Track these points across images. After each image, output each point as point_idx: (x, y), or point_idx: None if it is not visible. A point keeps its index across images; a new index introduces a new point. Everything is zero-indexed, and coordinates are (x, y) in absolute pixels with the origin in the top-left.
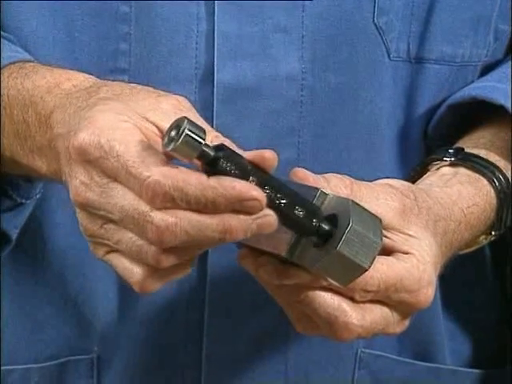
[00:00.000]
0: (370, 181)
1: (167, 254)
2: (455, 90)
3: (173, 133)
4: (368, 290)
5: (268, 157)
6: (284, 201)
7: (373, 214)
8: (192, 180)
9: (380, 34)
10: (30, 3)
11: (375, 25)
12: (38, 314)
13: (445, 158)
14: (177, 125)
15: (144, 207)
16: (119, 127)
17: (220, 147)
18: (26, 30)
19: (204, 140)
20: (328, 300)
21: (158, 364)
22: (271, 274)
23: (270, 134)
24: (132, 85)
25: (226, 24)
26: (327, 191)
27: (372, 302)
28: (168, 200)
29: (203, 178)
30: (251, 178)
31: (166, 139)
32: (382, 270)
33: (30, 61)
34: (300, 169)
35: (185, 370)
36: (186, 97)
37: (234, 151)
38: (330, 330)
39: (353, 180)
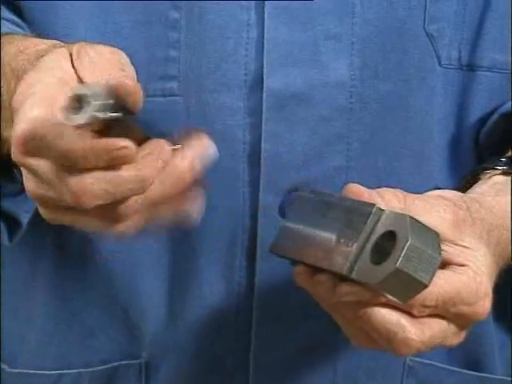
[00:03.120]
0: (421, 190)
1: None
2: (507, 97)
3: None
4: (427, 305)
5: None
6: None
7: (431, 229)
8: (79, 142)
9: (431, 41)
10: (79, 10)
11: (426, 32)
12: (88, 319)
13: (497, 167)
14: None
15: (62, 175)
16: (44, 88)
17: None
18: (75, 37)
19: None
20: (387, 316)
21: (206, 370)
22: (329, 291)
23: (318, 140)
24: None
25: (276, 31)
26: (383, 207)
27: (430, 315)
28: (31, 149)
29: (87, 139)
30: None
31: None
32: (439, 285)
33: (18, 34)
34: (354, 184)
35: (233, 377)
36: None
37: None
38: (388, 346)
39: (406, 193)
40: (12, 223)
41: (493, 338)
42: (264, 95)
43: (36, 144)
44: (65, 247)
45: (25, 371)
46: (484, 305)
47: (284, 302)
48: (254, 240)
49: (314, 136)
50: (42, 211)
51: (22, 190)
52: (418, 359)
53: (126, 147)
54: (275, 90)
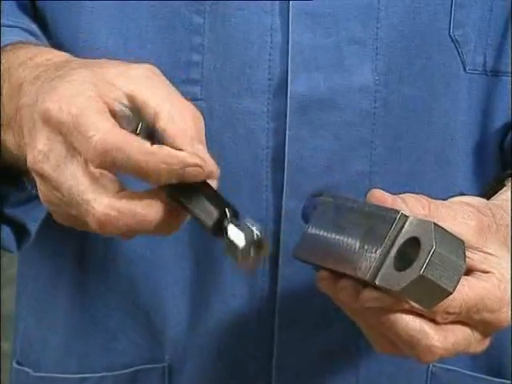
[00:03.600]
0: (444, 196)
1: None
2: None
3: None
4: (450, 312)
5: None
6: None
7: (455, 237)
8: (135, 143)
9: (456, 46)
10: (101, 16)
11: (451, 37)
12: (110, 323)
13: None
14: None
15: (89, 195)
16: (82, 94)
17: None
18: (98, 42)
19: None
20: (410, 323)
21: (228, 375)
22: (352, 297)
23: (342, 145)
24: (104, 59)
25: (300, 35)
26: (407, 213)
27: (453, 322)
28: (109, 161)
29: (146, 143)
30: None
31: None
32: (463, 292)
33: (30, 42)
34: (377, 190)
35: (255, 382)
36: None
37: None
38: (411, 352)
39: (430, 200)
40: (20, 231)
41: None
42: (288, 100)
43: (113, 156)
44: (87, 251)
45: (48, 375)
46: (508, 311)
47: (306, 308)
48: (277, 245)
49: (337, 141)
50: (42, 192)
51: (31, 198)
52: (441, 365)
53: (199, 166)
54: (299, 94)
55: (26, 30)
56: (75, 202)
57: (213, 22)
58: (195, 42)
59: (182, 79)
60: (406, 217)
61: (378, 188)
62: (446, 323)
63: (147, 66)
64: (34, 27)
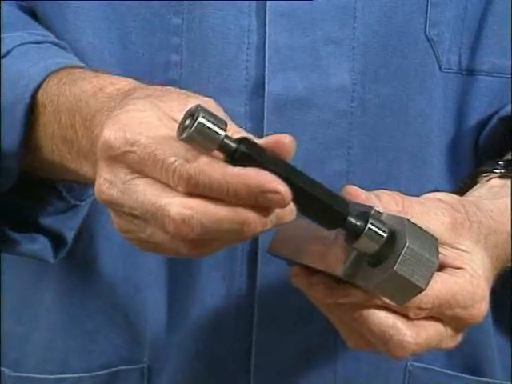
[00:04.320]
0: (420, 194)
1: (195, 246)
2: (506, 102)
3: (187, 121)
4: (422, 307)
5: (285, 142)
6: (309, 193)
7: (429, 233)
8: (216, 166)
9: (431, 45)
10: (87, 17)
11: (426, 36)
12: (89, 324)
13: (495, 170)
14: (191, 113)
15: (162, 201)
16: (144, 122)
17: (241, 140)
18: (82, 43)
19: (224, 131)
20: (382, 318)
21: (207, 373)
22: (325, 293)
23: (319, 145)
24: (167, 87)
25: (277, 36)
26: (381, 210)
27: (426, 318)
28: (193, 184)
29: (228, 166)
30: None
31: (180, 128)
32: (435, 287)
33: (78, 66)
34: (351, 186)
35: (234, 380)
36: (214, 99)
37: (256, 144)
38: (384, 348)
39: (403, 196)
40: (56, 240)
41: (492, 342)
42: (265, 100)
43: (196, 180)
44: (68, 254)
45: (27, 375)
46: (480, 308)
47: (284, 306)
48: (255, 244)
49: (314, 141)
50: (115, 221)
51: (69, 208)
52: (418, 364)
53: (279, 193)
54: (276, 94)
55: (56, 44)
56: (150, 213)
57: (191, 23)
58: (174, 43)
59: (161, 80)
60: (380, 213)
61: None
62: (418, 319)
63: (206, 99)
64: (59, 41)
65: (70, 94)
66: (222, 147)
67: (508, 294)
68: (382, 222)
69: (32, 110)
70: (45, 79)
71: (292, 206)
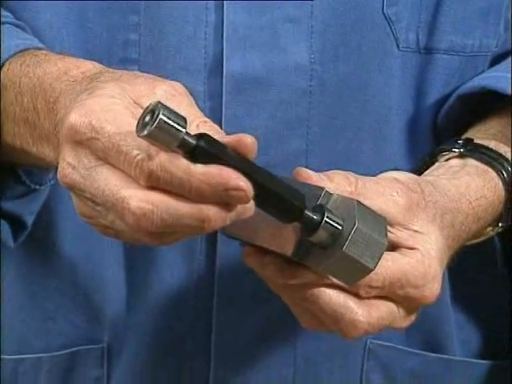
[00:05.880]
0: (380, 171)
1: (156, 238)
2: (465, 80)
3: (147, 118)
4: (373, 286)
5: (247, 142)
6: (268, 188)
7: (378, 214)
8: (178, 163)
9: (389, 24)
10: None
11: (384, 15)
12: (49, 304)
13: (454, 149)
14: (151, 110)
15: (123, 193)
16: (111, 109)
17: (201, 136)
18: (40, 21)
19: (184, 128)
20: (334, 297)
21: (167, 353)
22: (276, 273)
23: (278, 124)
24: (135, 72)
25: (235, 14)
26: (332, 191)
27: (377, 297)
28: (154, 180)
29: (190, 164)
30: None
31: (139, 124)
32: (386, 266)
33: (42, 49)
34: (302, 168)
35: (194, 360)
36: (182, 83)
37: (216, 140)
38: (335, 327)
39: (357, 176)
40: (16, 224)
41: (451, 320)
42: (224, 79)
43: (157, 176)
44: (28, 235)
45: None
46: (432, 288)
47: (244, 285)
48: None
49: (273, 120)
50: (77, 205)
51: (28, 192)
52: (378, 341)
53: (242, 190)
54: (235, 73)
55: (15, 25)
56: (110, 203)
57: (149, 2)
58: (132, 21)
59: (120, 58)
60: (330, 194)
61: (315, 166)
62: (369, 298)
63: (173, 83)
64: (18, 22)
65: (33, 76)
66: (183, 144)
67: (468, 270)
68: (336, 216)
69: None
70: (6, 61)
71: (252, 202)
